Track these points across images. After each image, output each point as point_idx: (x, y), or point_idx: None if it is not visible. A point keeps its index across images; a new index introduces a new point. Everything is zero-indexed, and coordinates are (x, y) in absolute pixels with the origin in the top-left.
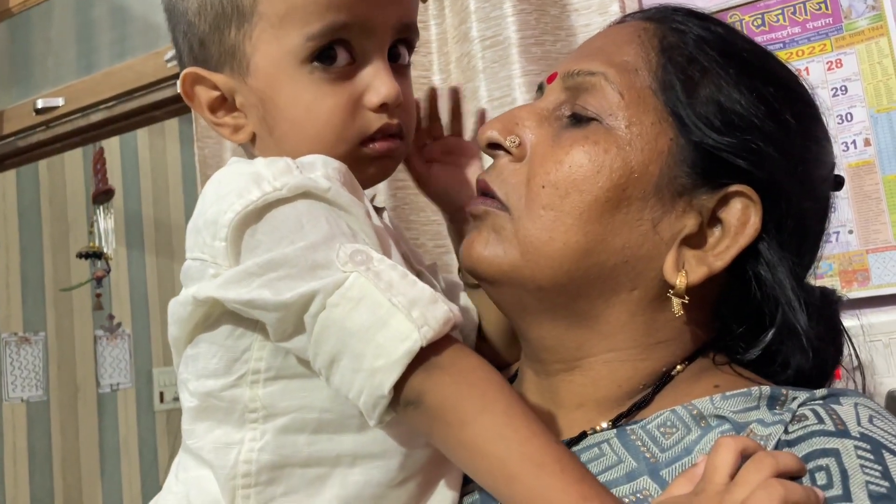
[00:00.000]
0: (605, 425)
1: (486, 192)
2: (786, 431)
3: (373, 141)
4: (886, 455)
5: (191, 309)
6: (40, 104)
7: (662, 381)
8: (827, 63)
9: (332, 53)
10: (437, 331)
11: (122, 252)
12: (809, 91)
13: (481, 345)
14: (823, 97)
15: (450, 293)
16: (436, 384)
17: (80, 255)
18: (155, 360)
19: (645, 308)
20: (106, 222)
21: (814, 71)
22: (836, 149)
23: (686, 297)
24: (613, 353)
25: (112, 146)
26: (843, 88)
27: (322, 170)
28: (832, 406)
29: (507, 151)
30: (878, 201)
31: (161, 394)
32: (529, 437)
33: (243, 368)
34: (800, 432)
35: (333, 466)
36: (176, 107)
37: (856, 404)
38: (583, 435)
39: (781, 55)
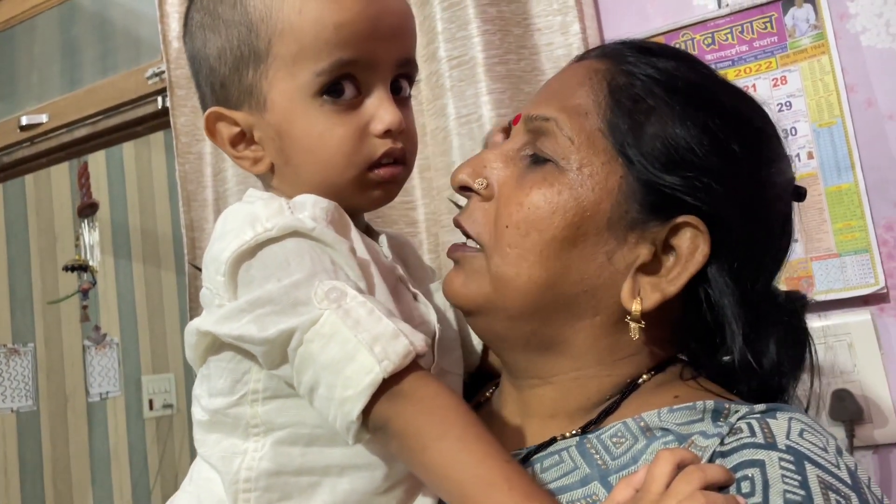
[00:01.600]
0: (574, 432)
1: (464, 232)
2: (722, 443)
3: (378, 166)
4: (808, 466)
5: (197, 338)
6: (25, 121)
7: (629, 389)
8: (773, 80)
9: (339, 87)
10: (396, 364)
11: (110, 262)
12: (762, 115)
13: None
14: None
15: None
16: (398, 412)
17: (66, 268)
18: (143, 368)
19: (608, 331)
20: (91, 235)
21: (761, 87)
22: None
23: (642, 322)
24: (581, 370)
25: (98, 158)
26: (788, 104)
27: (311, 210)
28: (767, 420)
29: (477, 193)
30: (821, 211)
31: (150, 401)
32: (482, 459)
33: (244, 389)
34: (734, 444)
35: (323, 475)
36: (158, 122)
37: (790, 419)
38: (552, 440)
39: (730, 73)
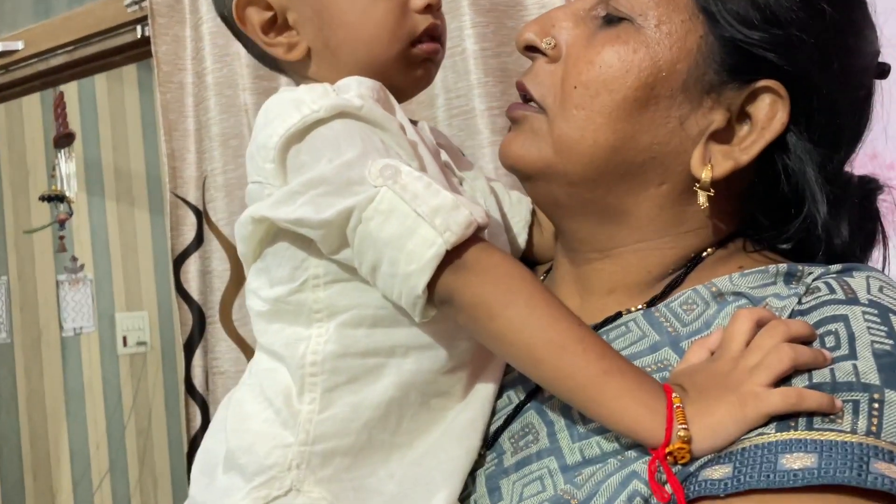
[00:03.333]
0: (639, 307)
1: (524, 96)
2: (799, 302)
3: (420, 42)
4: (893, 318)
5: (251, 228)
6: (1, 47)
7: (693, 262)
8: None
9: None
10: (459, 235)
11: (83, 198)
12: None
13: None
14: None
15: (500, 190)
16: (463, 283)
17: (42, 199)
18: (117, 304)
19: (674, 201)
20: (67, 166)
21: None
22: None
23: (711, 191)
24: (643, 242)
25: (70, 92)
26: None
27: (356, 90)
28: (844, 278)
29: (543, 53)
30: None
31: (124, 338)
32: (551, 322)
33: (305, 275)
34: (812, 302)
35: (389, 356)
36: (136, 52)
37: (868, 276)
38: (618, 315)
39: None
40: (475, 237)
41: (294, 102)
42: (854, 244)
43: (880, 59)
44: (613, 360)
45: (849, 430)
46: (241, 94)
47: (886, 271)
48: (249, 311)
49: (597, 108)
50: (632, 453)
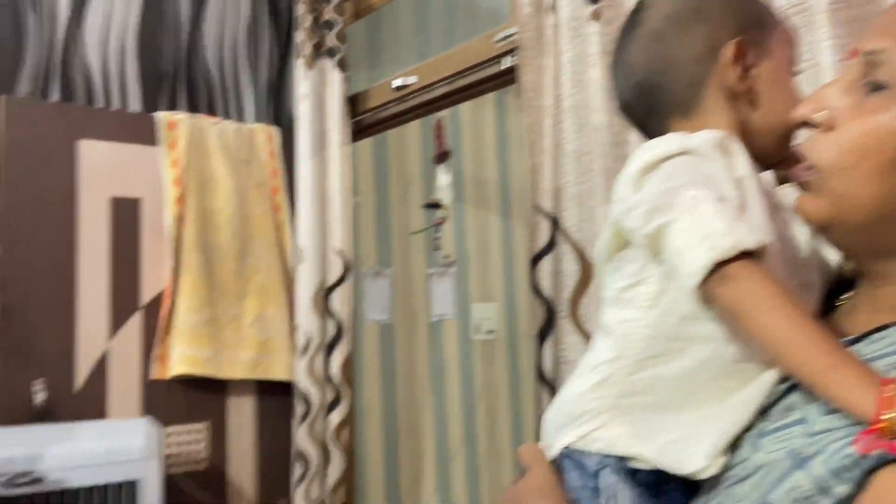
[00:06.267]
0: None
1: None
2: None
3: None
4: None
5: (611, 232)
6: (399, 83)
7: None
8: None
9: None
10: (722, 254)
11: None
12: None
13: None
14: None
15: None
16: (723, 291)
17: (424, 206)
18: (472, 296)
19: None
20: (445, 179)
21: None
22: None
23: None
24: None
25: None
26: None
27: (701, 137)
28: None
29: (818, 125)
30: None
31: (477, 325)
32: (789, 326)
33: (644, 273)
34: None
35: (689, 343)
36: (499, 81)
37: None
38: (885, 326)
39: None
40: (746, 256)
41: (650, 146)
42: None
43: None
44: (838, 356)
45: None
46: (592, 116)
47: None
48: (605, 297)
49: (865, 168)
50: (858, 429)
